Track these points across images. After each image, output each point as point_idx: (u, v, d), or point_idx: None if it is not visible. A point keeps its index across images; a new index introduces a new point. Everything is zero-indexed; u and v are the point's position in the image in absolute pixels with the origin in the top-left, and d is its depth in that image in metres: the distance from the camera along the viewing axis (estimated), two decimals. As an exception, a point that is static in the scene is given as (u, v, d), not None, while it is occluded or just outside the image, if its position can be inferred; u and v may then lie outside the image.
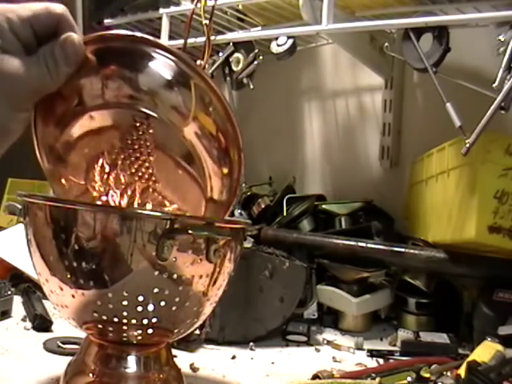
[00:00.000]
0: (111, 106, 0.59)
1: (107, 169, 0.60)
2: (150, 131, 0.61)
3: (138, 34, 0.58)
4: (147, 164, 0.61)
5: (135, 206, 0.61)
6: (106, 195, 0.60)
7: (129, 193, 0.61)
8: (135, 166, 0.61)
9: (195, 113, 0.60)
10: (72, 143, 0.58)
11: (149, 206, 0.61)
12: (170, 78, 0.60)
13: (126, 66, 0.59)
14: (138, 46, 0.58)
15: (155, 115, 0.60)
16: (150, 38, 0.58)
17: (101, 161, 0.60)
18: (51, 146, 0.56)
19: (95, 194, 0.60)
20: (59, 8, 0.51)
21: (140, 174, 0.61)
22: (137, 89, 0.59)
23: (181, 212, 0.61)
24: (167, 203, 0.61)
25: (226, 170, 0.61)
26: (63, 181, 0.57)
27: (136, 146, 0.61)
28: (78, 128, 0.58)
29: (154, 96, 0.60)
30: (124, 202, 0.60)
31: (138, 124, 0.60)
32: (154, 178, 0.62)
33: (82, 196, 0.59)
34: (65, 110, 0.57)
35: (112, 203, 0.60)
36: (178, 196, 0.62)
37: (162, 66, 0.60)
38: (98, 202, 0.60)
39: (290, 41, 1.00)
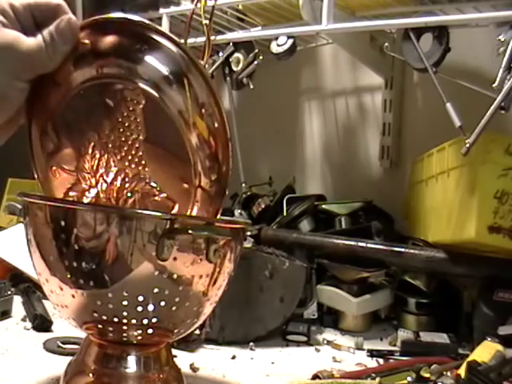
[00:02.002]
0: (101, 78, 0.57)
1: (97, 155, 0.60)
2: (140, 106, 0.58)
3: (135, 18, 0.57)
4: (137, 145, 0.59)
5: (125, 194, 0.60)
6: (96, 186, 0.60)
7: (119, 181, 0.60)
8: (125, 149, 0.59)
9: (193, 118, 0.58)
10: (63, 126, 0.58)
11: (138, 195, 0.60)
12: (167, 72, 0.57)
13: (123, 55, 0.57)
14: (133, 29, 0.57)
15: (147, 88, 0.57)
16: (147, 21, 0.56)
17: (91, 145, 0.59)
18: (44, 131, 0.57)
19: (85, 185, 0.60)
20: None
21: (130, 157, 0.59)
22: (136, 76, 0.57)
23: (170, 200, 0.59)
24: (156, 192, 0.60)
25: (214, 177, 0.59)
26: (54, 170, 0.58)
27: (126, 124, 0.59)
28: (68, 109, 0.58)
29: (152, 82, 0.57)
30: (115, 190, 0.60)
31: (128, 99, 0.58)
32: (143, 162, 0.59)
33: (72, 188, 0.59)
34: (59, 98, 0.57)
35: (102, 194, 0.59)
36: (166, 184, 0.60)
37: (160, 56, 0.56)
38: (90, 194, 0.59)
39: (290, 41, 1.00)
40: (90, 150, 0.59)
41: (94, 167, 0.60)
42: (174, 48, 0.56)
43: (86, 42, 0.56)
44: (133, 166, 0.59)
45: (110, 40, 0.57)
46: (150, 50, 0.56)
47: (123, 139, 0.59)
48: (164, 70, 0.56)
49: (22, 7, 0.54)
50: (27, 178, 1.34)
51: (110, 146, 0.59)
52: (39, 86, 0.56)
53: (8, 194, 1.38)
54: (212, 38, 1.00)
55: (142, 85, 0.56)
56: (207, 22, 0.98)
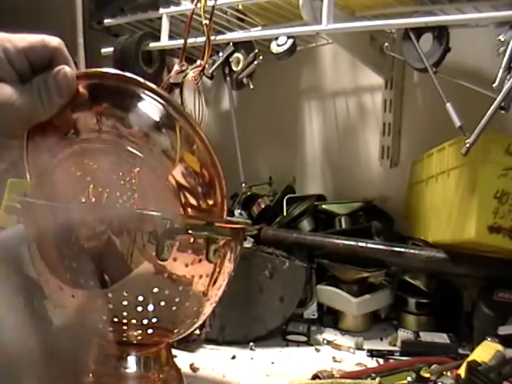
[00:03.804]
0: (101, 141, 0.59)
1: (93, 199, 0.61)
2: (136, 170, 0.61)
3: (128, 75, 0.58)
4: (132, 201, 0.62)
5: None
6: None
7: None
8: (119, 202, 0.62)
9: (181, 154, 0.61)
10: (60, 170, 0.59)
11: None
12: (158, 119, 0.60)
13: (118, 105, 0.59)
14: (128, 86, 0.58)
15: (141, 155, 0.61)
16: (140, 79, 0.58)
17: (86, 191, 0.61)
18: (41, 172, 0.57)
19: None
20: (55, 41, 0.52)
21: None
22: (129, 129, 0.60)
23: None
24: None
25: (211, 202, 0.62)
26: None
27: (121, 183, 0.61)
28: (66, 156, 0.59)
29: (144, 138, 0.61)
30: None
31: (124, 162, 0.61)
32: None
33: None
34: (56, 138, 0.57)
35: None
36: None
37: (150, 108, 0.60)
38: None
39: (290, 41, 1.00)
40: (85, 195, 0.61)
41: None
42: (161, 100, 0.60)
43: (84, 92, 0.54)
44: None
45: (105, 89, 0.58)
46: (140, 101, 0.59)
47: (118, 194, 0.61)
48: (155, 115, 0.60)
49: (16, 52, 0.50)
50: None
51: (106, 196, 0.61)
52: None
53: (8, 194, 1.37)
54: (212, 38, 1.00)
55: (133, 150, 0.60)
56: (207, 22, 0.98)
